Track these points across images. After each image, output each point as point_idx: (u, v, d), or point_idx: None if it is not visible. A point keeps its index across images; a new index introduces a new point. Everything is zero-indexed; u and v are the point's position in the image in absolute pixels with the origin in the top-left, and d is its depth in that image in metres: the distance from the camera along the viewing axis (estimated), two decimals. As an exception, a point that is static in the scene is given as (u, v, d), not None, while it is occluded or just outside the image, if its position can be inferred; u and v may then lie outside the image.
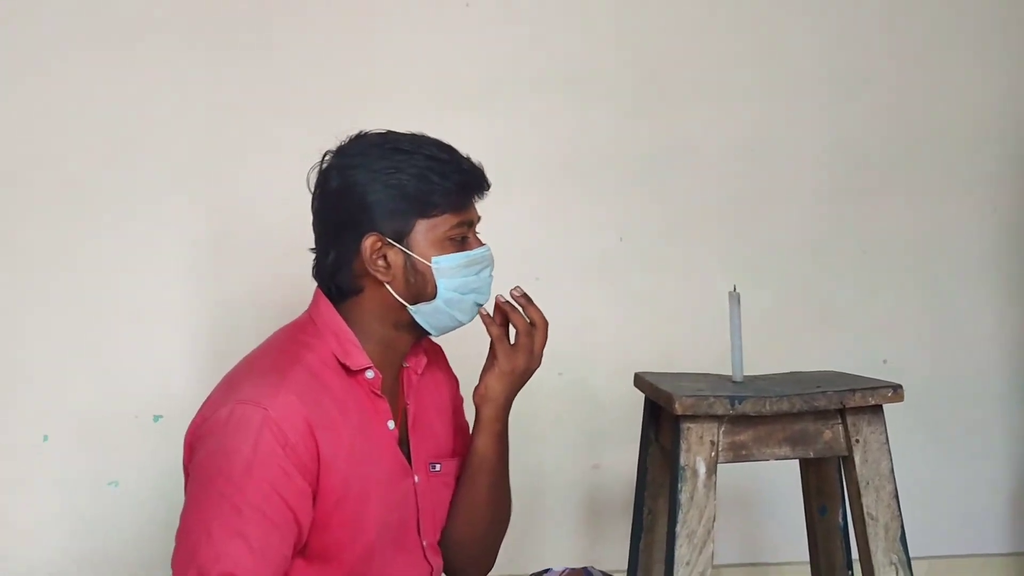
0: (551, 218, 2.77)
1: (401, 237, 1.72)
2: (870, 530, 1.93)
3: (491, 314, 1.83)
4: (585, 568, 1.93)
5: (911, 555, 1.94)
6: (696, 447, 1.90)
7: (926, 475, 2.81)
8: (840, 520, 2.18)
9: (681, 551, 1.88)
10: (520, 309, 1.82)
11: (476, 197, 1.78)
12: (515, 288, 1.82)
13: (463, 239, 1.75)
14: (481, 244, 1.78)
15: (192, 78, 2.63)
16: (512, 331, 1.83)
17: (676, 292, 2.80)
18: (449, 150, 1.76)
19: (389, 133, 1.77)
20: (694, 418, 1.90)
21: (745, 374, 2.07)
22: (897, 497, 1.94)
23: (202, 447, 1.66)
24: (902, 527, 1.94)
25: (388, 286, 1.73)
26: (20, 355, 2.60)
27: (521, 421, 2.00)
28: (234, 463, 1.60)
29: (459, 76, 2.72)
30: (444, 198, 1.72)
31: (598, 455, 2.77)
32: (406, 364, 1.85)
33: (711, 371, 2.20)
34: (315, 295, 1.80)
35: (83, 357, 2.61)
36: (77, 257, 2.61)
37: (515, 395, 1.85)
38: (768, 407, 1.90)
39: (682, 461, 1.90)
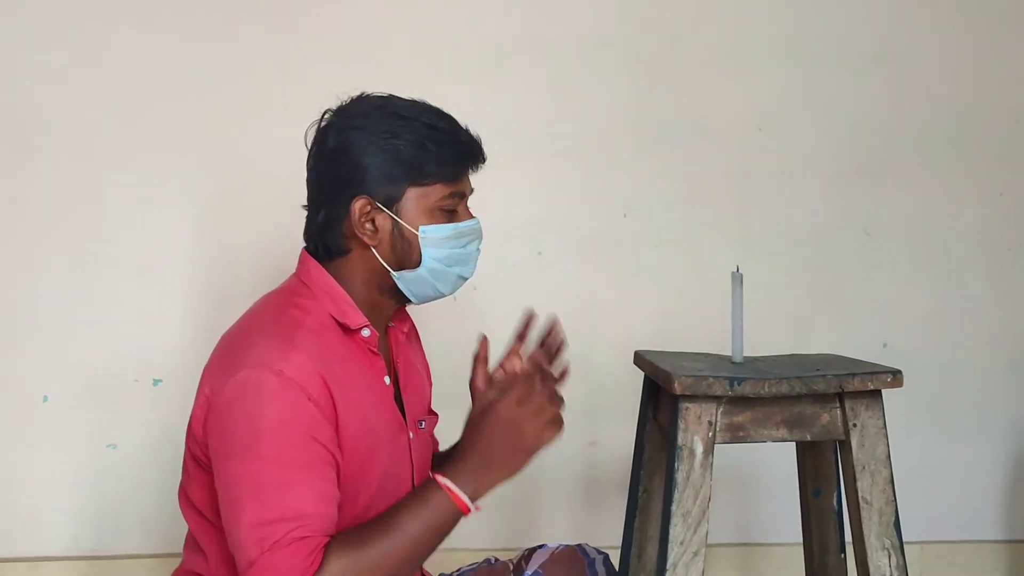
0: (556, 191, 2.76)
1: (391, 203, 1.71)
2: (864, 514, 1.93)
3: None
4: (579, 545, 1.93)
5: (904, 539, 1.94)
6: (694, 427, 1.90)
7: (923, 459, 2.81)
8: (835, 503, 2.19)
9: (676, 530, 1.89)
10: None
11: (471, 170, 1.77)
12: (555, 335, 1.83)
13: (453, 211, 1.75)
14: (471, 217, 1.78)
15: (202, 38, 2.63)
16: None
17: (679, 270, 2.79)
18: (448, 120, 1.75)
19: (391, 97, 1.76)
20: (692, 398, 1.90)
21: (745, 355, 2.07)
22: (892, 483, 1.94)
23: (224, 420, 1.64)
24: (896, 512, 1.94)
25: (374, 250, 1.74)
26: (23, 314, 2.60)
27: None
28: (264, 425, 1.60)
29: (467, 44, 2.72)
30: (438, 168, 1.71)
31: (595, 432, 2.77)
32: (391, 324, 1.87)
33: (712, 351, 2.20)
34: (302, 257, 1.80)
35: (85, 319, 2.62)
36: (82, 217, 2.62)
37: None
38: (767, 389, 1.90)
39: (679, 441, 1.90)
